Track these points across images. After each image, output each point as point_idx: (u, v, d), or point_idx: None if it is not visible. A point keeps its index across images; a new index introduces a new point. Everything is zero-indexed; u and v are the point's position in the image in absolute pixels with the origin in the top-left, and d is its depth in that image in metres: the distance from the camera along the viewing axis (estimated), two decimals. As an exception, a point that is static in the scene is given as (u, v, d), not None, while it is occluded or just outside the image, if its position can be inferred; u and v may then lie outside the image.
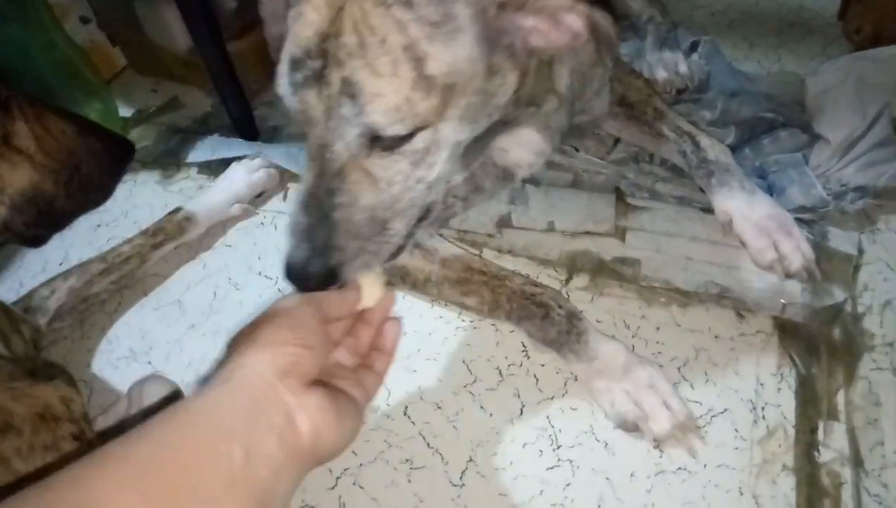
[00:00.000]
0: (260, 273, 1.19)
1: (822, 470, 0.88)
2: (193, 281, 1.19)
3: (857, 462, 0.89)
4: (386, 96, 0.62)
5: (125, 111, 1.57)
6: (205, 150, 1.40)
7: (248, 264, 1.20)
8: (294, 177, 1.31)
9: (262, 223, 1.27)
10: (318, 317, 0.58)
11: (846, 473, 0.88)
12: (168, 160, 1.42)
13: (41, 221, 0.79)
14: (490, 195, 1.11)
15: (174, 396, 0.97)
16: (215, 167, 1.36)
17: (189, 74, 1.59)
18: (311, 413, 0.50)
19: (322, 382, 0.54)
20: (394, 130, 0.63)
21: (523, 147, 1.00)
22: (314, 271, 0.66)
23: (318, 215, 0.66)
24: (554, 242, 1.15)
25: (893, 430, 0.91)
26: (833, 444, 0.90)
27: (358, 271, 0.67)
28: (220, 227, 1.26)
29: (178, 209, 1.20)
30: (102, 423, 0.96)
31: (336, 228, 0.66)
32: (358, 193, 0.67)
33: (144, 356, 1.09)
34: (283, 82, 0.68)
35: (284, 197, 1.31)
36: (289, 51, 0.66)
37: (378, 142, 0.65)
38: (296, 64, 0.65)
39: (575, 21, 0.66)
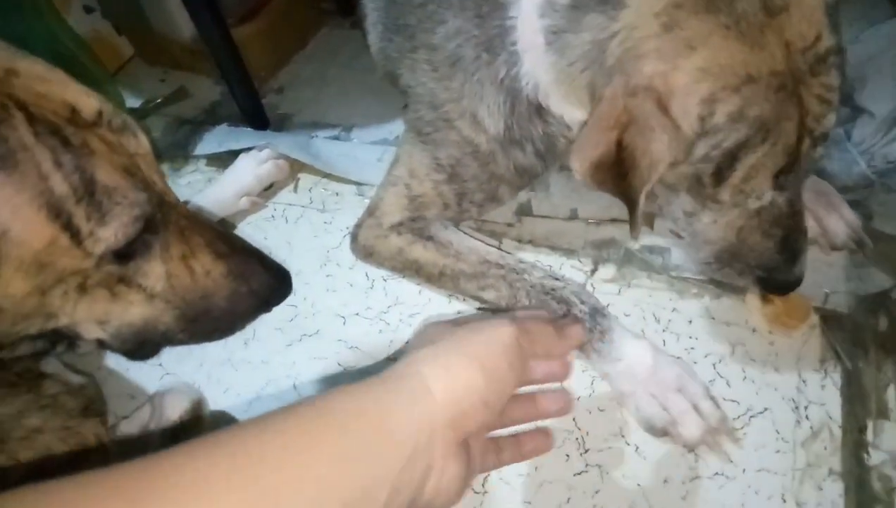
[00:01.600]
0: (271, 269, 1.14)
1: (872, 474, 0.82)
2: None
3: (909, 463, 0.83)
4: None
5: (133, 102, 1.53)
6: (213, 141, 1.35)
7: (259, 259, 1.16)
8: (304, 167, 1.27)
9: (273, 216, 1.22)
10: (520, 359, 0.61)
11: (899, 476, 0.82)
12: (176, 152, 1.38)
13: (148, 347, 0.72)
14: (504, 203, 1.07)
15: (197, 408, 0.94)
16: (224, 159, 1.32)
17: (196, 63, 1.54)
18: (444, 481, 0.53)
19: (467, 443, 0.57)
20: None
21: None
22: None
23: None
24: (577, 230, 1.09)
25: (949, 428, 0.85)
26: (883, 445, 0.84)
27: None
28: (229, 221, 1.22)
29: (185, 203, 1.16)
30: (126, 428, 0.93)
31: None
32: None
33: (155, 359, 1.05)
34: None
35: (295, 188, 1.26)
36: None
37: None
38: None
39: None
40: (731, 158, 0.70)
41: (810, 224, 0.99)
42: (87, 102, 0.60)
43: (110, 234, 0.58)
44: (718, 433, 0.85)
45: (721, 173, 0.71)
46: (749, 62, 0.66)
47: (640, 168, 0.70)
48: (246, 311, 0.71)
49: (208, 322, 0.70)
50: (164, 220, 0.64)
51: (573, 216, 1.10)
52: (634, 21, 0.69)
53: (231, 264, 0.68)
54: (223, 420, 0.97)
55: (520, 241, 1.10)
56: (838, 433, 0.85)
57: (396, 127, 1.30)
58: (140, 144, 0.64)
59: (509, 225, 1.12)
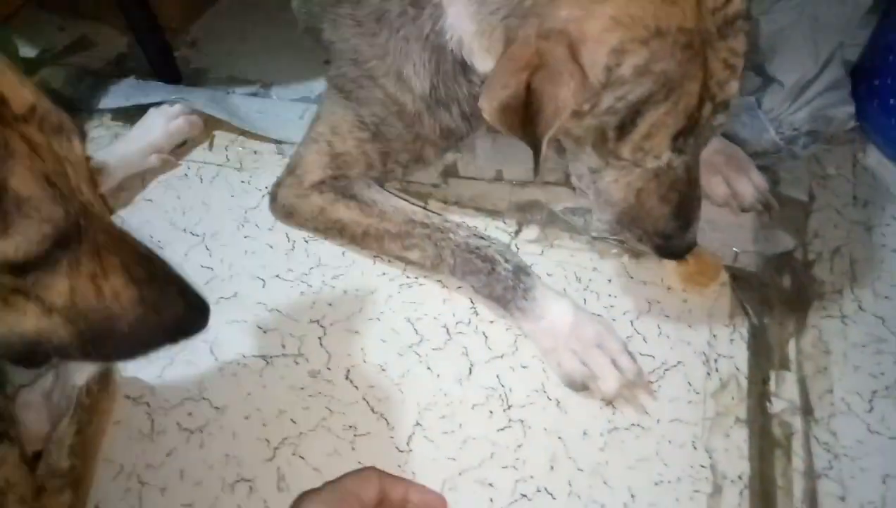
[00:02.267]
0: (185, 230, 1.09)
1: (773, 421, 0.87)
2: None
3: (807, 410, 0.88)
4: None
5: (28, 52, 1.40)
6: (119, 95, 1.26)
7: (171, 220, 1.10)
8: (219, 124, 1.20)
9: (186, 175, 1.16)
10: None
11: (797, 422, 0.87)
12: (79, 106, 1.28)
13: (38, 356, 0.64)
14: (430, 164, 1.06)
15: (106, 372, 0.88)
16: (132, 114, 1.23)
17: (100, 10, 1.43)
18: None
19: None
20: None
21: None
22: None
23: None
24: (502, 192, 1.09)
25: (842, 377, 0.91)
26: (784, 394, 0.89)
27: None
28: (139, 180, 1.14)
29: (86, 159, 1.08)
30: (27, 397, 0.86)
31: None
32: None
33: (57, 324, 0.99)
34: None
35: (210, 146, 1.20)
36: None
37: None
38: None
39: None
40: (634, 113, 0.70)
41: (721, 187, 1.04)
42: (20, 94, 0.54)
43: (10, 248, 0.52)
44: (635, 386, 0.88)
45: (624, 128, 0.72)
46: (660, 15, 0.66)
47: (546, 113, 0.70)
48: (151, 341, 0.66)
49: (108, 344, 0.64)
50: (80, 235, 0.58)
51: (498, 178, 1.10)
52: None
53: (145, 291, 0.63)
54: (135, 386, 0.92)
55: (445, 202, 1.09)
56: (745, 384, 0.90)
57: (319, 84, 1.25)
58: (73, 148, 0.58)
59: (435, 186, 1.11)
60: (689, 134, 0.73)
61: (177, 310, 0.65)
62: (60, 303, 0.59)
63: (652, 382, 0.90)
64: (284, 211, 1.02)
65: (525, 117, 0.72)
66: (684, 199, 0.80)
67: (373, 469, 0.63)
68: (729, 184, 1.03)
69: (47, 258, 0.55)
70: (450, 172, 1.12)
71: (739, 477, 0.83)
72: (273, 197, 1.03)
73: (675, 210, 0.80)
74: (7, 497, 0.72)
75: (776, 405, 0.88)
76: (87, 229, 0.58)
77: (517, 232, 1.06)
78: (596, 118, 0.73)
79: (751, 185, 1.03)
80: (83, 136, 0.63)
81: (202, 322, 0.67)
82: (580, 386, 0.88)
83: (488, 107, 0.74)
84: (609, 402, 0.88)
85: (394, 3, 0.85)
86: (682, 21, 0.66)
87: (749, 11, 0.72)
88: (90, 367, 0.88)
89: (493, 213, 1.08)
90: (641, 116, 0.70)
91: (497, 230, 1.05)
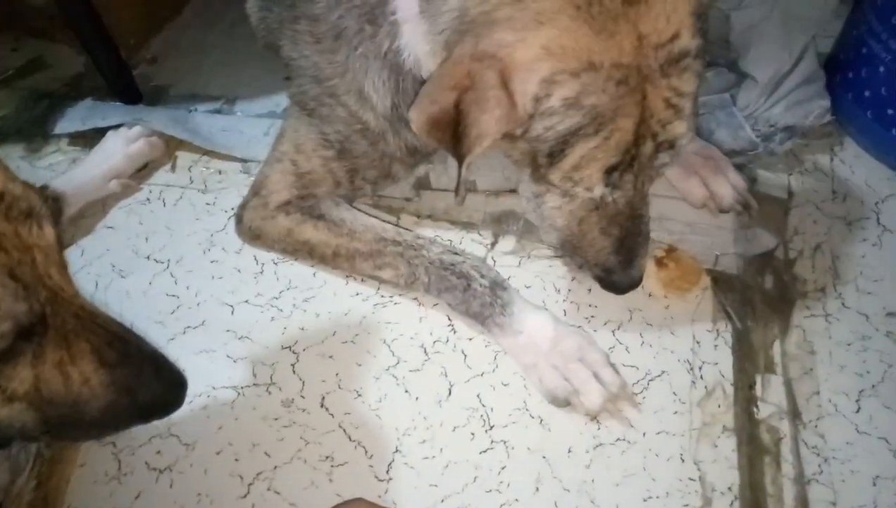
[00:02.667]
0: (149, 257, 1.05)
1: (761, 427, 0.85)
2: (71, 271, 1.04)
3: (794, 414, 0.86)
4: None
5: (-21, 75, 1.36)
6: (76, 118, 1.22)
7: (134, 247, 1.06)
8: (181, 144, 1.16)
9: (149, 200, 1.12)
10: None
11: (785, 427, 0.85)
12: (34, 131, 1.24)
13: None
14: (399, 180, 1.03)
15: None
16: (90, 137, 1.19)
17: (55, 29, 1.38)
18: None
19: None
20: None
21: None
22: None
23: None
24: (476, 203, 1.07)
25: (828, 378, 0.89)
26: (771, 398, 0.88)
27: None
28: (99, 206, 1.10)
29: (43, 188, 1.04)
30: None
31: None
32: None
33: (17, 363, 0.95)
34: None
35: (172, 168, 1.16)
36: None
37: None
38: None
39: None
40: (563, 143, 0.68)
41: (699, 189, 1.02)
42: None
43: None
44: (619, 399, 0.85)
45: (553, 156, 0.70)
46: (594, 49, 0.63)
47: (470, 137, 0.68)
48: (122, 422, 0.64)
49: (76, 427, 0.62)
50: (47, 324, 0.56)
51: (472, 189, 1.08)
52: None
53: (117, 373, 0.60)
54: (99, 427, 0.88)
55: (418, 216, 1.07)
56: (730, 390, 0.88)
57: (285, 99, 1.21)
58: (44, 234, 0.56)
59: (407, 200, 1.08)
60: (625, 170, 0.71)
61: (152, 390, 0.63)
62: (23, 391, 0.56)
63: (636, 394, 0.88)
64: (251, 234, 0.98)
65: (455, 134, 0.70)
66: (626, 234, 0.78)
67: (361, 499, 0.64)
68: (707, 185, 1.02)
69: (9, 351, 0.53)
70: (422, 185, 1.09)
71: (729, 489, 0.81)
72: (238, 219, 0.99)
73: (616, 245, 0.79)
74: None
75: (763, 411, 0.87)
76: (56, 314, 0.57)
77: (493, 244, 1.03)
78: (528, 143, 0.71)
79: (729, 185, 1.02)
80: (57, 216, 0.61)
81: (178, 401, 0.65)
82: (563, 402, 0.85)
83: (416, 119, 0.72)
84: (593, 417, 0.86)
85: (351, 20, 0.82)
86: (618, 56, 0.64)
87: (701, 50, 0.68)
88: None
89: (468, 225, 1.05)
90: (571, 146, 0.68)
91: (473, 243, 1.03)
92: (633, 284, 0.82)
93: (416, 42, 0.77)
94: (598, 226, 0.78)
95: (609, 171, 0.69)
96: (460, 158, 0.71)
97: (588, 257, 0.81)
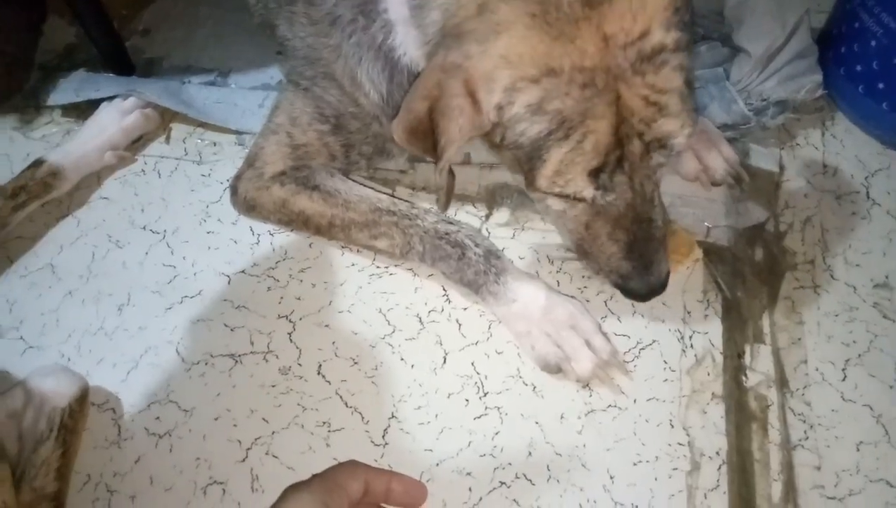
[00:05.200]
0: (144, 228, 1.05)
1: (749, 395, 0.87)
2: (67, 242, 1.04)
3: (782, 382, 0.88)
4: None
5: (-29, 47, 1.34)
6: (69, 89, 1.21)
7: (130, 218, 1.06)
8: (176, 116, 1.16)
9: (143, 171, 1.12)
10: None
11: (772, 395, 0.87)
12: (27, 102, 1.23)
13: None
14: (395, 157, 1.03)
15: (85, 394, 0.86)
16: (83, 109, 1.18)
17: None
18: None
19: None
20: None
21: None
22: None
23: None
24: (471, 175, 1.07)
25: (815, 348, 0.91)
26: (759, 367, 0.89)
27: None
28: (94, 178, 1.10)
29: (39, 162, 1.04)
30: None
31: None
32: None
33: (14, 332, 0.95)
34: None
35: (167, 139, 1.15)
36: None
37: None
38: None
39: None
40: (538, 149, 0.68)
41: (691, 162, 1.03)
42: None
43: None
44: (610, 366, 0.87)
45: (533, 162, 0.69)
46: (552, 54, 0.63)
47: (440, 144, 0.69)
48: None
49: None
50: None
51: (466, 161, 1.08)
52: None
53: None
54: (99, 393, 0.89)
55: (413, 188, 1.07)
56: (720, 359, 0.90)
57: (279, 72, 1.21)
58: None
59: (402, 172, 1.08)
60: (613, 172, 0.69)
61: None
62: None
63: (627, 362, 0.89)
64: (246, 204, 0.99)
65: (432, 143, 0.71)
66: (634, 239, 0.76)
67: (357, 462, 0.65)
68: (699, 158, 1.03)
69: None
70: (417, 157, 1.10)
71: (717, 453, 0.83)
72: (233, 190, 1.00)
73: (625, 250, 0.77)
74: None
75: (751, 379, 0.88)
76: None
77: (488, 216, 1.04)
78: (510, 151, 0.71)
79: (721, 159, 1.03)
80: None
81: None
82: (555, 369, 0.87)
83: (396, 130, 0.73)
84: (585, 384, 0.87)
85: (345, 9, 0.83)
86: (579, 59, 0.63)
87: (679, 44, 0.65)
88: (68, 387, 0.84)
89: (463, 197, 1.05)
90: (547, 151, 0.67)
91: (467, 215, 1.03)
92: (654, 290, 0.80)
93: (410, 46, 0.79)
94: (604, 230, 0.76)
95: (594, 173, 0.68)
96: (436, 164, 0.72)
97: (601, 262, 0.80)
